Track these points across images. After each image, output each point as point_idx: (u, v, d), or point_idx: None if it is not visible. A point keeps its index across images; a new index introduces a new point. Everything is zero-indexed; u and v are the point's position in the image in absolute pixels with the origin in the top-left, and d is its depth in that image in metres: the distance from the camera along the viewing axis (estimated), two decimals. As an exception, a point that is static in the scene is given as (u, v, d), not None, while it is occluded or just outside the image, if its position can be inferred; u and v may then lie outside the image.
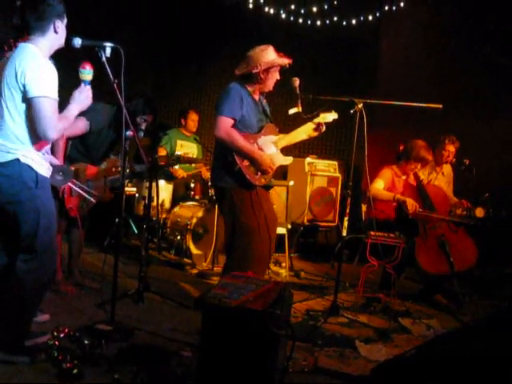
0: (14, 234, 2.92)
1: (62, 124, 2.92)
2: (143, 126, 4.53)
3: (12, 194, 2.87)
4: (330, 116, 4.31)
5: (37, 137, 2.88)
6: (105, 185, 4.43)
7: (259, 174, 4.00)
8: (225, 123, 3.89)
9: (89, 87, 3.14)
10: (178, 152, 6.63)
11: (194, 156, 6.91)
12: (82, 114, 3.35)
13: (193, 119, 7.00)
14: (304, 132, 4.31)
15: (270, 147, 4.13)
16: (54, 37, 3.01)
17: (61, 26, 3.02)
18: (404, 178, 5.48)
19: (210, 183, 4.41)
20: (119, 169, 4.36)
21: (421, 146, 5.32)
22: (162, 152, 6.53)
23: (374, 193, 5.23)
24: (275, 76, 4.10)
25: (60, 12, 3.01)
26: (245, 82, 4.07)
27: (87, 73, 3.13)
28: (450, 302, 5.00)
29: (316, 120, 4.28)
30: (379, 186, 5.37)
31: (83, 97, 3.10)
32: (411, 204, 5.06)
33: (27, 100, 2.82)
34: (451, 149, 5.77)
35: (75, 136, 4.17)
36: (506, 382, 2.36)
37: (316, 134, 4.34)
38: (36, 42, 2.95)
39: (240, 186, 3.97)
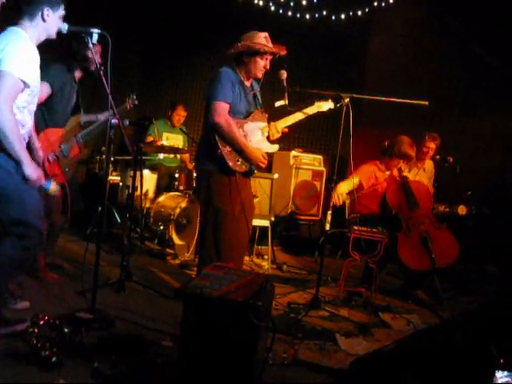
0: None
1: (11, 119, 2.87)
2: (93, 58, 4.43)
3: None
4: (326, 105, 4.34)
5: None
6: (77, 142, 4.40)
7: (240, 160, 4.00)
8: (222, 108, 3.90)
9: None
10: (164, 142, 6.63)
11: (180, 146, 6.90)
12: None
13: (179, 114, 6.98)
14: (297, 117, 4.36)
15: (257, 133, 4.14)
16: (42, 25, 2.98)
17: (51, 14, 2.99)
18: (388, 173, 5.49)
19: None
20: (82, 123, 4.46)
21: (404, 142, 5.33)
22: (149, 139, 6.54)
23: (337, 192, 5.18)
24: (261, 63, 4.06)
25: (52, 0, 2.98)
26: (235, 66, 4.09)
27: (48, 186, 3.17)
28: (431, 297, 5.03)
29: (309, 110, 4.29)
30: (347, 187, 5.27)
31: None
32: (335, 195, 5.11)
33: None
34: (431, 145, 5.82)
35: (41, 102, 4.13)
36: (483, 376, 2.39)
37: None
38: (24, 27, 2.92)
39: (220, 171, 3.97)
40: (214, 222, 3.98)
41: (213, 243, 3.97)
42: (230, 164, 3.93)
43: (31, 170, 2.96)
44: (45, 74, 3.54)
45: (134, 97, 4.89)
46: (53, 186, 3.23)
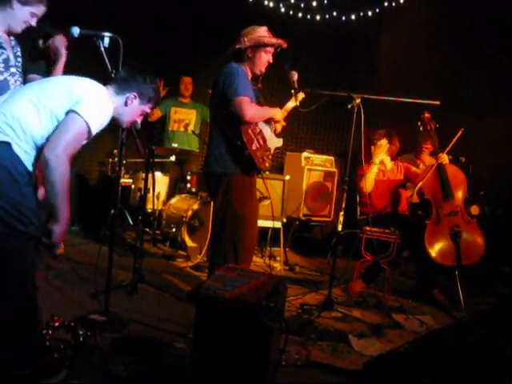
0: None
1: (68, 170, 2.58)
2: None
3: None
4: (290, 103, 4.31)
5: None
6: None
7: (264, 158, 4.00)
8: (247, 103, 3.81)
9: None
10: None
11: (191, 122, 7.03)
12: None
13: (185, 82, 7.04)
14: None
15: (266, 129, 4.15)
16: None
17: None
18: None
19: (203, 169, 4.25)
20: None
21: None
22: (157, 113, 6.61)
23: (366, 185, 5.28)
24: (265, 57, 4.04)
25: (144, 93, 2.91)
26: (239, 62, 4.03)
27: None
28: (446, 297, 4.98)
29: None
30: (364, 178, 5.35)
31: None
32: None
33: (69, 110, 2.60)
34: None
35: None
36: (496, 378, 2.37)
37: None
38: None
39: (241, 172, 3.94)
40: (232, 225, 3.93)
41: (231, 247, 3.92)
42: (257, 162, 3.91)
43: (63, 230, 2.68)
44: None
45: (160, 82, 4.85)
46: (62, 247, 2.98)
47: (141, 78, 2.91)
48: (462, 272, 4.71)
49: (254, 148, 3.89)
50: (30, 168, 2.57)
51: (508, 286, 5.67)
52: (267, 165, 4.07)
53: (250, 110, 3.82)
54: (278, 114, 4.18)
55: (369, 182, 5.27)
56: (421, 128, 5.26)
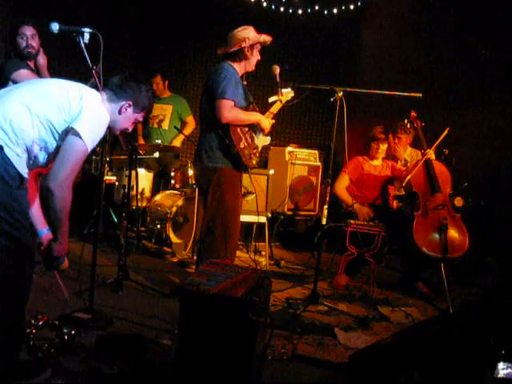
0: None
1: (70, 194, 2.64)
2: (28, 44, 4.39)
3: None
4: (272, 98, 4.37)
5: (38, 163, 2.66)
6: None
7: (251, 156, 4.10)
8: (229, 106, 3.93)
9: None
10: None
11: (166, 118, 6.99)
12: None
13: (156, 82, 6.97)
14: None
15: (256, 128, 4.22)
16: (115, 113, 2.89)
17: (129, 111, 2.91)
18: (376, 162, 5.58)
19: (194, 163, 4.31)
20: None
21: (373, 128, 5.61)
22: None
23: (338, 193, 5.46)
24: (257, 55, 4.16)
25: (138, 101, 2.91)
26: (232, 62, 4.09)
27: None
28: (430, 289, 5.02)
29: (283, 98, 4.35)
30: (343, 183, 5.52)
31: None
32: (362, 215, 5.19)
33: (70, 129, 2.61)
34: (403, 137, 5.85)
35: None
36: (483, 367, 2.39)
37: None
38: None
39: (232, 168, 4.06)
40: (224, 218, 4.02)
41: (223, 240, 4.02)
42: (244, 160, 4.04)
43: (61, 247, 2.78)
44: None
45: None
46: (66, 262, 3.00)
47: (136, 86, 2.90)
48: (447, 264, 4.74)
49: (241, 146, 4.01)
50: (21, 171, 2.54)
51: (492, 277, 5.71)
52: (254, 162, 4.17)
53: (229, 113, 3.94)
54: (265, 122, 4.22)
55: (338, 185, 5.47)
56: (408, 126, 5.39)
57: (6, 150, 2.46)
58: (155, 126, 6.95)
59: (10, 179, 2.48)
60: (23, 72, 4.28)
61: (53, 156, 2.67)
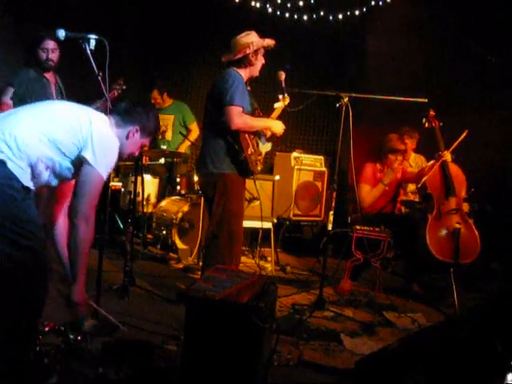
0: None
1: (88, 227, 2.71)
2: (49, 57, 4.59)
3: None
4: (277, 104, 4.37)
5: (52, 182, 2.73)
6: None
7: (257, 162, 4.09)
8: (238, 113, 3.92)
9: None
10: None
11: (168, 128, 7.00)
12: None
13: (154, 97, 6.98)
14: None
15: (260, 135, 4.23)
16: (123, 138, 2.94)
17: (136, 136, 2.97)
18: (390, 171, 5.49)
19: (198, 169, 4.31)
20: None
21: (389, 139, 5.46)
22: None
23: (367, 200, 5.38)
24: (262, 59, 4.15)
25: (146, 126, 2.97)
26: (237, 68, 4.08)
27: None
28: (425, 292, 5.05)
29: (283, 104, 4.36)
30: (366, 190, 5.44)
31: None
32: None
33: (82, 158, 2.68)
34: (408, 142, 5.86)
35: None
36: (488, 375, 2.38)
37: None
38: None
39: (238, 174, 4.06)
40: (229, 223, 4.02)
41: (228, 245, 4.01)
42: (251, 166, 4.03)
43: (81, 289, 2.83)
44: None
45: (122, 82, 4.86)
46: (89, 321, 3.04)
47: (143, 112, 2.96)
48: (454, 269, 4.74)
49: (249, 152, 4.01)
50: (26, 184, 2.55)
51: (498, 282, 5.69)
52: (259, 168, 4.18)
53: (239, 120, 3.92)
54: (276, 126, 4.26)
55: (372, 197, 5.35)
56: (426, 125, 5.29)
57: (10, 165, 2.47)
58: (159, 137, 6.91)
59: (15, 192, 2.48)
60: None
61: (64, 177, 2.74)
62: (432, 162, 5.20)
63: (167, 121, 7.01)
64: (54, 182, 2.76)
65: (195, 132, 7.02)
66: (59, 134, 2.62)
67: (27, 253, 2.50)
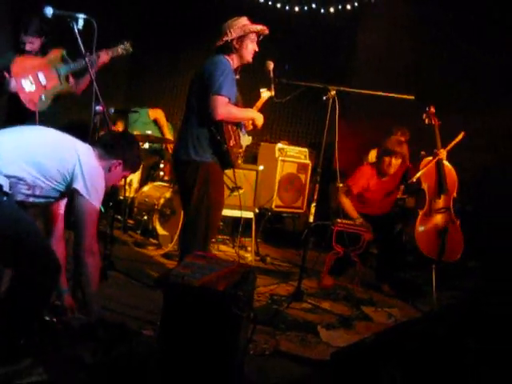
0: None
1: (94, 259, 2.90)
2: (27, 47, 4.51)
3: None
4: (265, 93, 4.30)
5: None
6: (57, 75, 4.41)
7: (238, 155, 4.05)
8: (223, 103, 3.81)
9: None
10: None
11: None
12: None
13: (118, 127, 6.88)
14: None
15: (241, 127, 4.16)
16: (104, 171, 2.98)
17: (118, 169, 3.03)
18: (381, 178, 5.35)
19: (178, 156, 4.10)
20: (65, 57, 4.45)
21: (390, 139, 5.36)
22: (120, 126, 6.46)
23: (343, 204, 5.16)
24: (251, 46, 4.02)
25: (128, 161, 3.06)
26: (226, 55, 3.98)
27: None
28: (397, 292, 5.09)
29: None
30: (348, 204, 5.20)
31: None
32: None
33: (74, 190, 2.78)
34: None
35: None
36: (463, 371, 2.41)
37: None
38: None
39: (219, 164, 4.00)
40: (207, 212, 3.96)
41: (203, 234, 3.96)
42: (232, 158, 3.97)
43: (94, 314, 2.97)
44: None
45: (128, 44, 4.76)
46: None
47: (127, 147, 3.02)
48: (437, 266, 4.81)
49: (231, 144, 3.94)
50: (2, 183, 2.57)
51: (474, 280, 5.75)
52: (239, 162, 4.16)
53: (224, 110, 3.83)
54: (259, 118, 4.17)
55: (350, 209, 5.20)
56: (426, 121, 5.21)
57: None
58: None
59: None
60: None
61: (49, 198, 2.82)
62: (428, 158, 5.17)
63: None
64: (38, 201, 2.80)
65: (157, 113, 7.01)
66: (44, 160, 2.68)
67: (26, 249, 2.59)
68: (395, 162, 5.20)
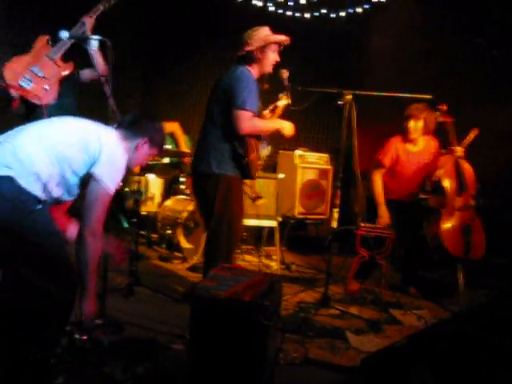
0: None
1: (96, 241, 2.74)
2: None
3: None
4: (281, 102, 4.25)
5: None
6: (50, 59, 4.22)
7: (257, 167, 4.05)
8: (248, 117, 3.79)
9: None
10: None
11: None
12: None
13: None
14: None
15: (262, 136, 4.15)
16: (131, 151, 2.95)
17: (145, 148, 2.98)
18: (411, 146, 5.23)
19: (199, 168, 4.06)
20: (49, 42, 4.26)
21: (409, 107, 5.19)
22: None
23: (372, 183, 5.17)
24: (273, 56, 4.00)
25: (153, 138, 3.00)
26: (247, 65, 3.95)
27: None
28: (423, 293, 5.08)
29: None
30: (380, 172, 5.21)
31: None
32: (381, 222, 4.99)
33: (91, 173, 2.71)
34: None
35: None
36: (496, 370, 2.37)
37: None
38: None
39: (240, 177, 3.99)
40: (229, 224, 3.94)
41: (226, 247, 3.96)
42: (252, 171, 3.97)
43: (92, 306, 2.86)
44: None
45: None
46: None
47: (150, 124, 2.99)
48: (464, 265, 4.78)
49: (251, 157, 3.91)
50: (37, 194, 2.56)
51: (505, 278, 5.67)
52: (258, 174, 4.16)
53: (248, 125, 3.80)
54: (287, 128, 4.14)
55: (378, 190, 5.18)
56: (439, 119, 5.11)
57: (19, 180, 2.49)
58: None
59: (26, 205, 2.51)
60: None
61: (73, 192, 2.77)
62: (445, 156, 5.11)
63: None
64: (65, 197, 2.78)
65: (173, 126, 6.97)
66: (69, 152, 2.65)
67: (50, 262, 2.57)
68: (415, 125, 5.08)
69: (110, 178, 2.72)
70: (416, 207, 5.17)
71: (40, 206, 2.57)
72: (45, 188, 2.60)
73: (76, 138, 2.70)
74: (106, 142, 2.73)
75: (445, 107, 5.08)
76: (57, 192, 2.68)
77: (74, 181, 2.71)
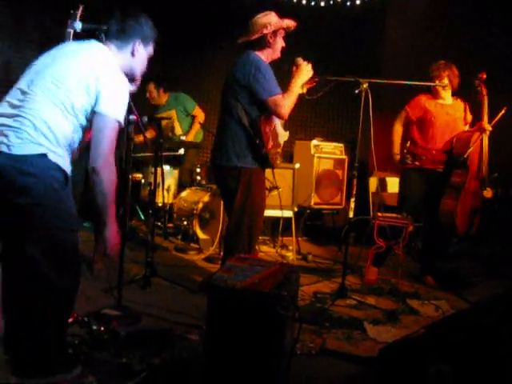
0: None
1: (110, 171, 2.66)
2: None
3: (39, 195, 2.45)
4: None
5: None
6: None
7: (277, 155, 4.04)
8: (281, 101, 3.81)
9: None
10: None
11: (175, 123, 6.90)
12: None
13: (150, 90, 6.78)
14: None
15: (278, 124, 4.12)
16: (129, 58, 2.88)
17: (141, 50, 2.89)
18: (441, 101, 5.16)
19: (220, 161, 4.02)
20: None
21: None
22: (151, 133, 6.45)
23: (393, 132, 5.24)
24: (281, 42, 4.01)
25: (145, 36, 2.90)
26: (257, 51, 3.93)
27: None
28: (440, 283, 5.05)
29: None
30: (400, 122, 5.25)
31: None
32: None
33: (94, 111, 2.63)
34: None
35: None
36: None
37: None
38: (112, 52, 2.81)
39: (260, 167, 3.98)
40: (252, 215, 3.95)
41: (247, 238, 3.96)
42: (271, 160, 3.96)
43: (113, 232, 2.76)
44: None
45: None
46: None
47: (136, 23, 2.86)
48: (475, 255, 4.75)
49: (269, 147, 3.90)
50: (67, 170, 2.57)
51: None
52: (278, 162, 4.11)
53: (286, 106, 3.82)
54: (303, 77, 4.02)
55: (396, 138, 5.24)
56: (478, 88, 5.05)
57: (50, 156, 2.47)
58: (170, 134, 6.84)
59: (56, 183, 2.50)
60: None
61: (82, 135, 2.71)
62: (476, 134, 5.01)
63: (171, 116, 6.92)
64: (78, 144, 2.74)
65: (200, 115, 6.95)
66: (79, 101, 2.58)
67: (65, 244, 2.57)
68: (441, 83, 5.02)
69: (117, 109, 2.65)
70: (444, 180, 5.11)
71: (64, 186, 2.56)
72: (70, 145, 2.61)
73: (76, 84, 2.59)
74: (104, 82, 2.63)
75: (484, 75, 5.00)
76: (77, 139, 2.67)
77: (83, 120, 2.65)
